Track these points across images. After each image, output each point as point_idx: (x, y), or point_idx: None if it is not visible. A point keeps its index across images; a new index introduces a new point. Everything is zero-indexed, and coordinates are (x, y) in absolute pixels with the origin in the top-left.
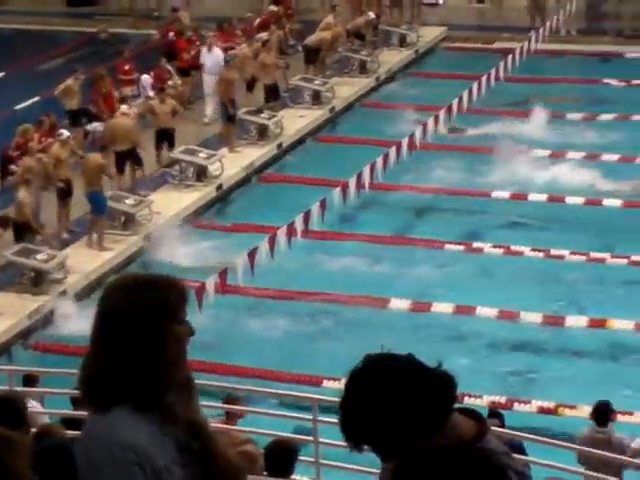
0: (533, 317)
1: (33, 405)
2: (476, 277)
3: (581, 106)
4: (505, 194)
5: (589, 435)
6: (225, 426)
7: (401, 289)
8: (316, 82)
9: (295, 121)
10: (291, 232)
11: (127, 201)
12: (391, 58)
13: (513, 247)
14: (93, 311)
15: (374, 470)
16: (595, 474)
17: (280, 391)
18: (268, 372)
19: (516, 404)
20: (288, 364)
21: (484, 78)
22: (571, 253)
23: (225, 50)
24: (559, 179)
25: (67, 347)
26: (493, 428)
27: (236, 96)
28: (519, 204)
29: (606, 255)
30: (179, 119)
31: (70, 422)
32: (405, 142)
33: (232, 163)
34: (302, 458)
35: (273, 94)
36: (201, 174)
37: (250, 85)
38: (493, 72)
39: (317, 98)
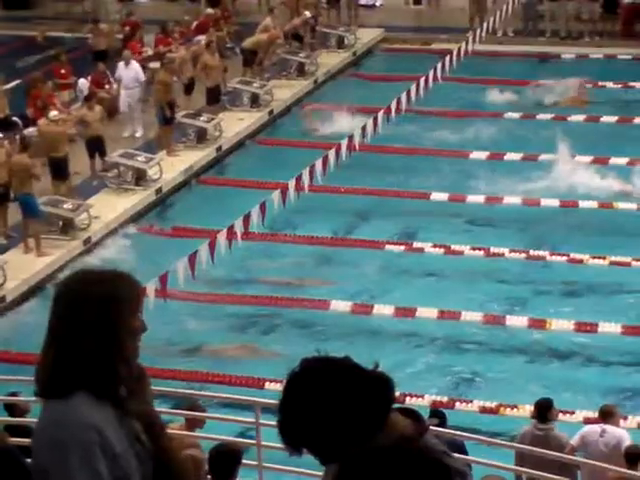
0: (474, 316)
1: None
2: (417, 277)
3: (519, 106)
4: (444, 195)
5: (529, 432)
6: (174, 431)
7: (342, 291)
8: (254, 85)
9: (234, 124)
10: (231, 235)
11: (65, 206)
12: (329, 60)
13: (453, 247)
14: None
15: (317, 472)
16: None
17: (222, 394)
18: (209, 375)
19: (458, 403)
20: (230, 367)
21: (422, 79)
22: (511, 251)
23: (163, 54)
24: (497, 179)
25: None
26: (433, 428)
27: (174, 99)
28: (458, 205)
29: (546, 254)
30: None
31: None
32: (344, 144)
33: (171, 166)
34: (245, 462)
35: (215, 97)
36: (140, 178)
37: (188, 88)
38: (431, 73)
39: (256, 101)
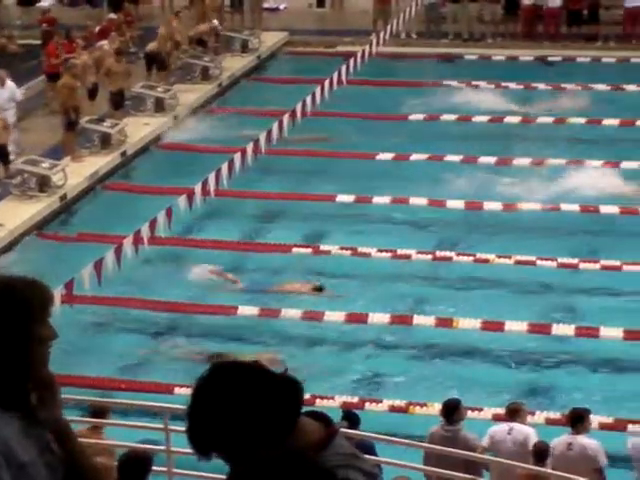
0: (381, 318)
1: None
2: (324, 280)
3: (424, 108)
4: (350, 197)
5: (437, 433)
6: (83, 438)
7: (249, 295)
8: (159, 89)
9: (139, 129)
10: (138, 241)
11: None
12: (233, 64)
13: (360, 249)
14: None
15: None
16: (443, 471)
17: (130, 401)
18: (117, 382)
19: (367, 404)
20: (138, 373)
21: (327, 82)
22: (418, 252)
23: (65, 60)
24: (402, 181)
25: None
26: (343, 430)
27: (79, 103)
28: (364, 207)
29: (452, 254)
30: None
31: None
32: (250, 147)
33: (76, 172)
34: (154, 468)
35: (119, 102)
36: (44, 184)
37: (92, 93)
38: (335, 76)
39: (160, 105)
